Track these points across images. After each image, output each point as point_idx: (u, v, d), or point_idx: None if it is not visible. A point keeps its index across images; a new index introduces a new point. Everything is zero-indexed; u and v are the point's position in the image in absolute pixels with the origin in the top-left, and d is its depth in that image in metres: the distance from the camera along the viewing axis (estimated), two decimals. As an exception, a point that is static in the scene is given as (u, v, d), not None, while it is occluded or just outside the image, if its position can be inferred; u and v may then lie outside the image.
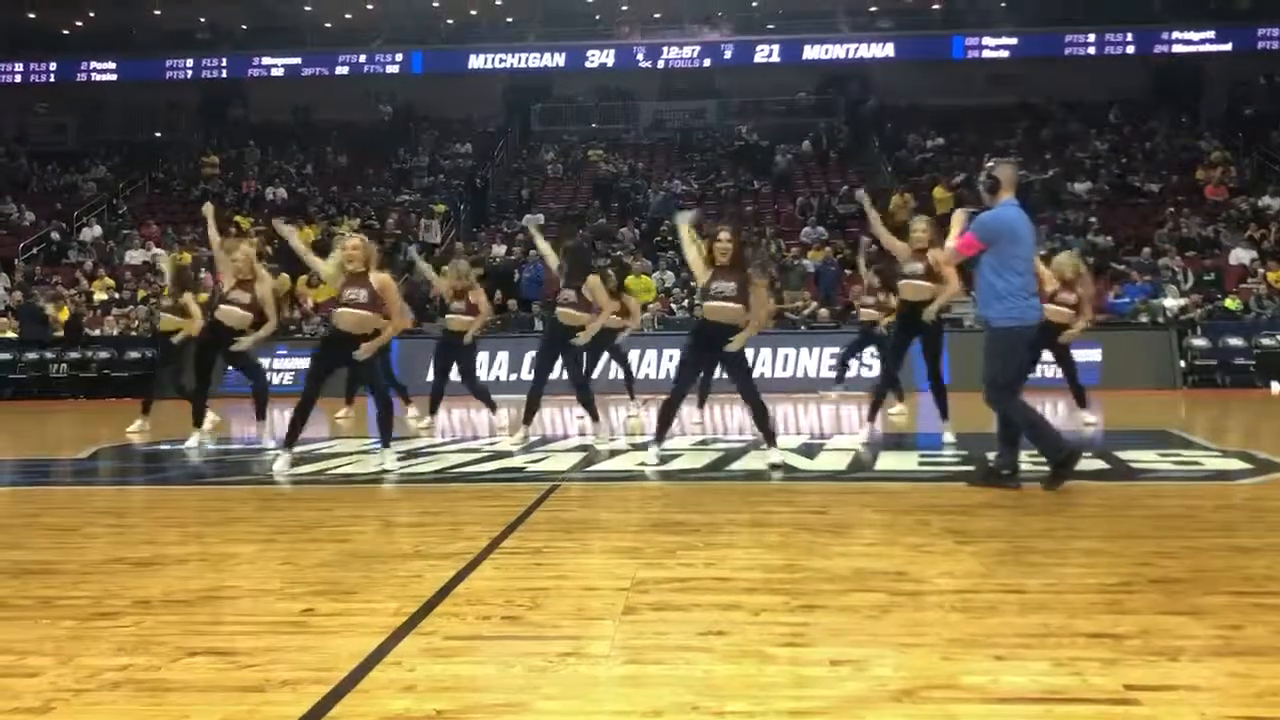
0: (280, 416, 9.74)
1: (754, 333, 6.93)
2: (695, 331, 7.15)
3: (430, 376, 10.43)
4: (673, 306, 19.32)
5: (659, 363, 16.45)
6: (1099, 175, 24.28)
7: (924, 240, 8.17)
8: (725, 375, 7.13)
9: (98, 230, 24.71)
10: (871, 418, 8.63)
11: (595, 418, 8.68)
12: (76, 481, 7.54)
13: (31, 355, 18.06)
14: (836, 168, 27.26)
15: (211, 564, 4.12)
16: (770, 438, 7.00)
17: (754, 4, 31.02)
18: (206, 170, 27.84)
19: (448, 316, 9.91)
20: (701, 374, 7.67)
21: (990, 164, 5.97)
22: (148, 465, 8.23)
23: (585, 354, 9.15)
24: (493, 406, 10.19)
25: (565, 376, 8.69)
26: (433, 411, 10.05)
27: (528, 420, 8.67)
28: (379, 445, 7.31)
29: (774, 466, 6.79)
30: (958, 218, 6.10)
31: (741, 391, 6.97)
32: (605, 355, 11.16)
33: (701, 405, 10.33)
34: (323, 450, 8.39)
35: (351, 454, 8.20)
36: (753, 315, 6.89)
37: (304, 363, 16.86)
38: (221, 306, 8.68)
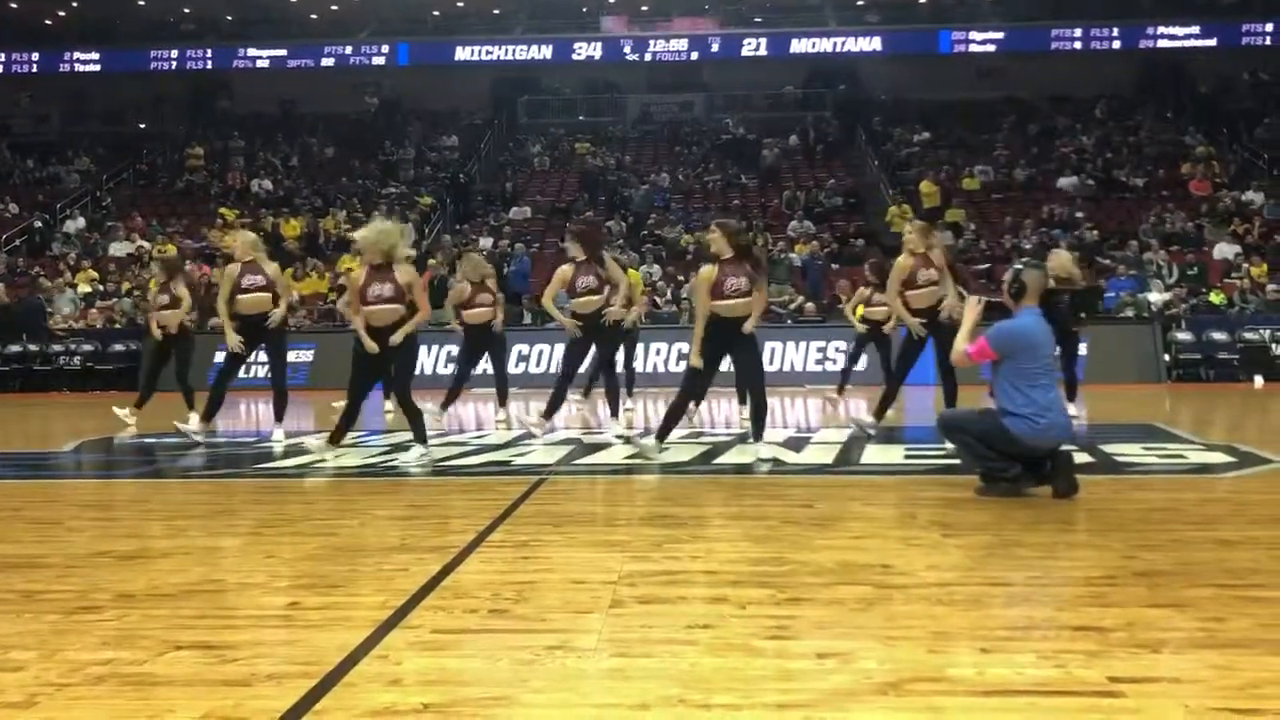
0: (265, 409, 9.71)
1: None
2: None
3: (452, 369, 10.40)
4: (656, 300, 19.33)
5: (646, 356, 16.43)
6: (1085, 170, 24.38)
7: (919, 244, 8.09)
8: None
9: (81, 222, 24.55)
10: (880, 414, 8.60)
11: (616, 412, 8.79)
12: (60, 475, 7.49)
13: (14, 348, 17.95)
14: (824, 161, 27.30)
15: (196, 557, 4.10)
16: (760, 432, 7.06)
17: (741, -3, 31.04)
18: (191, 162, 27.69)
19: (468, 312, 9.80)
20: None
21: (1018, 266, 5.54)
22: (132, 458, 8.19)
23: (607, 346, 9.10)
24: (504, 400, 10.15)
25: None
26: (447, 405, 9.97)
27: (549, 414, 8.63)
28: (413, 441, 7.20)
29: (762, 460, 6.83)
30: (972, 306, 5.70)
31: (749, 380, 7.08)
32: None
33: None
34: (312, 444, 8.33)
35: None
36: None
37: (289, 355, 16.80)
38: (240, 298, 8.28)
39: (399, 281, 6.86)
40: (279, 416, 8.59)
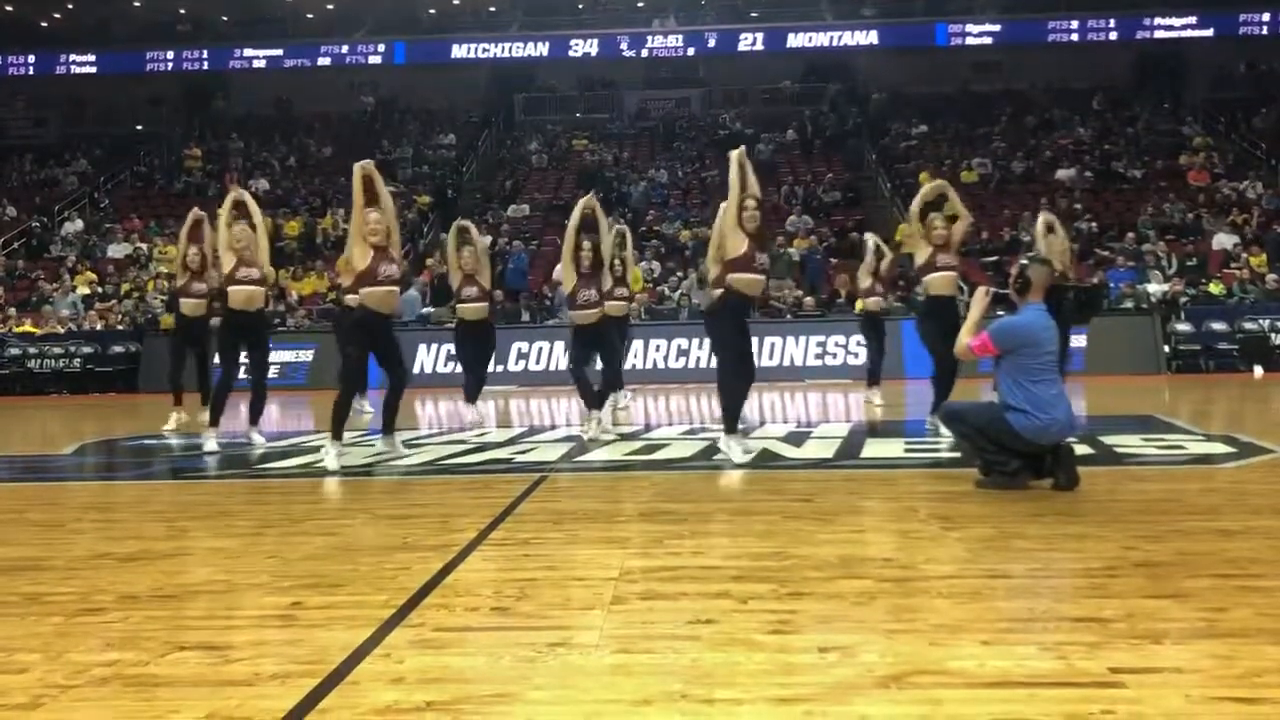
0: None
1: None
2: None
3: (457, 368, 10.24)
4: (663, 291, 19.33)
5: (645, 352, 16.44)
6: (1083, 161, 24.37)
7: (946, 233, 8.17)
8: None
9: (79, 224, 24.56)
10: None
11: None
12: (61, 477, 7.50)
13: (13, 351, 17.97)
14: (821, 156, 27.29)
15: (199, 558, 4.11)
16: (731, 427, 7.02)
17: (738, -8, 31.00)
18: (188, 163, 27.69)
19: (460, 305, 9.42)
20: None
21: (1024, 261, 5.51)
22: (132, 460, 8.19)
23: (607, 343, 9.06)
24: (473, 400, 10.05)
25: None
26: (471, 400, 9.77)
27: (599, 405, 8.59)
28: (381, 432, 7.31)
29: (721, 454, 6.73)
30: (979, 298, 5.66)
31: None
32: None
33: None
34: (309, 444, 8.34)
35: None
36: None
37: (288, 355, 16.82)
38: (231, 289, 8.03)
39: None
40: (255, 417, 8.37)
